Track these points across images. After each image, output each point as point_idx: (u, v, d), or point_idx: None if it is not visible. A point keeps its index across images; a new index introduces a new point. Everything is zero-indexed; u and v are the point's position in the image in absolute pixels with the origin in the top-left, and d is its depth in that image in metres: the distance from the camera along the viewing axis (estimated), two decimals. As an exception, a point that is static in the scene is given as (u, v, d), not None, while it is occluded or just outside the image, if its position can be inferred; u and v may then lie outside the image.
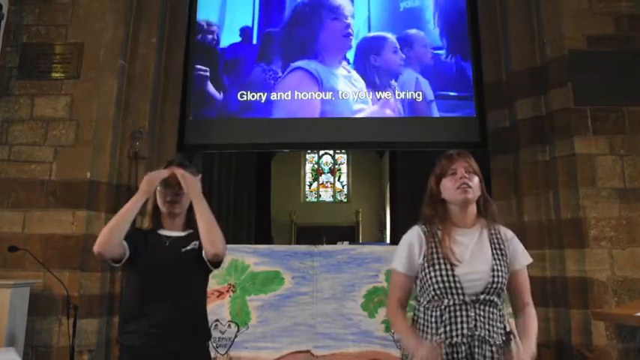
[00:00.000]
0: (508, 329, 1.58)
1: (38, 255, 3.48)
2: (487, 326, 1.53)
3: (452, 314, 1.54)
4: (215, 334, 3.31)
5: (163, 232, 1.75)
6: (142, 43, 4.36)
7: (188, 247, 1.70)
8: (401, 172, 8.32)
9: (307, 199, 13.58)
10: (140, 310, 1.61)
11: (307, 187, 13.69)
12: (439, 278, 1.56)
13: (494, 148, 4.46)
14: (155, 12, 4.47)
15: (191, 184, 1.69)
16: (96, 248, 1.61)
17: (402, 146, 5.32)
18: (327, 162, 13.88)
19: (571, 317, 3.53)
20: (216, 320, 3.37)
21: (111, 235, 1.59)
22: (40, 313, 3.54)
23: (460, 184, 1.61)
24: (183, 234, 1.76)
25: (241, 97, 4.78)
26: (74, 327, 3.34)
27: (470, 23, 4.82)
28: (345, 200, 13.55)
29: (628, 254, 3.50)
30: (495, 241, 1.63)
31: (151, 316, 1.59)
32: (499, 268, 1.57)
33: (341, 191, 13.70)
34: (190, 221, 1.78)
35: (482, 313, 1.54)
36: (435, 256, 1.59)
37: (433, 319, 1.57)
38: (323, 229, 11.31)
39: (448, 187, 1.65)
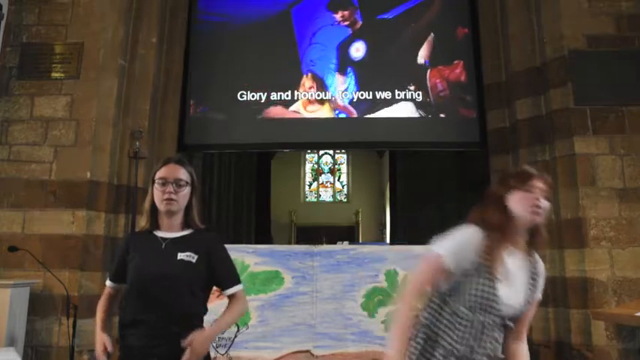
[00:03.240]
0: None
1: (38, 255, 3.48)
2: (499, 349, 1.54)
3: (480, 330, 1.51)
4: (215, 334, 3.31)
5: (160, 234, 1.71)
6: (142, 43, 4.37)
7: (184, 257, 1.65)
8: (401, 172, 8.31)
9: (307, 199, 13.56)
10: (137, 317, 1.60)
11: (307, 187, 13.68)
12: (484, 291, 1.51)
13: (494, 148, 4.47)
14: (155, 12, 4.48)
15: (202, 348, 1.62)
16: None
17: (402, 146, 5.33)
18: (326, 162, 13.87)
19: (571, 317, 3.53)
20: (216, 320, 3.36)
21: None
22: (40, 313, 3.54)
23: (536, 204, 1.56)
24: (180, 235, 1.72)
25: (241, 96, 4.78)
26: (74, 327, 3.34)
27: (470, 23, 4.82)
28: (345, 200, 13.54)
29: (628, 254, 3.50)
30: (533, 271, 1.60)
31: (149, 322, 1.58)
32: (529, 300, 1.58)
33: (341, 191, 13.69)
34: (189, 220, 1.75)
35: (500, 336, 1.54)
36: (486, 267, 1.52)
37: (460, 327, 1.51)
38: (323, 229, 11.30)
39: (522, 202, 1.58)
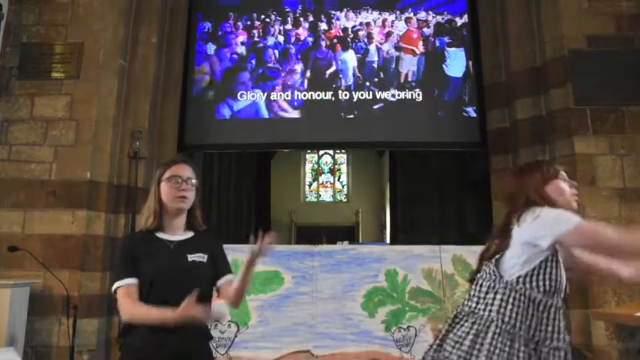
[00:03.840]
0: None
1: (38, 255, 3.48)
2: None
3: (558, 315, 1.54)
4: (215, 334, 3.31)
5: (165, 236, 1.71)
6: (142, 43, 4.36)
7: (196, 259, 1.67)
8: (401, 172, 8.31)
9: (307, 199, 13.55)
10: None
11: (307, 187, 13.68)
12: (562, 274, 1.55)
13: (494, 148, 4.47)
14: (155, 12, 4.47)
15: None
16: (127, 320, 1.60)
17: (402, 146, 5.33)
18: (326, 162, 13.86)
19: (571, 317, 3.53)
20: (216, 320, 3.37)
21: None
22: (40, 313, 3.54)
23: (575, 193, 1.64)
24: (185, 237, 1.74)
25: (241, 96, 4.78)
26: (74, 327, 3.34)
27: (470, 23, 4.82)
28: (345, 200, 13.53)
29: (628, 254, 3.50)
30: None
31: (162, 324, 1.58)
32: None
33: (341, 191, 13.68)
34: (192, 221, 1.77)
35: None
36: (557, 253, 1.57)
37: (546, 315, 1.52)
38: (323, 229, 11.28)
39: (565, 192, 1.63)
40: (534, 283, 1.52)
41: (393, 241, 8.46)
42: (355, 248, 3.69)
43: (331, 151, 13.48)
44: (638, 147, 3.66)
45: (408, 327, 3.46)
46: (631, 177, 3.62)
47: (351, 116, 4.72)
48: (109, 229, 3.91)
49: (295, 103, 4.76)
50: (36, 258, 3.43)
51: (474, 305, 1.57)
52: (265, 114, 4.75)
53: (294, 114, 4.75)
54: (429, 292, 3.53)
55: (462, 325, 1.55)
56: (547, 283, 1.52)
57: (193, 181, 1.75)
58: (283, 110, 4.76)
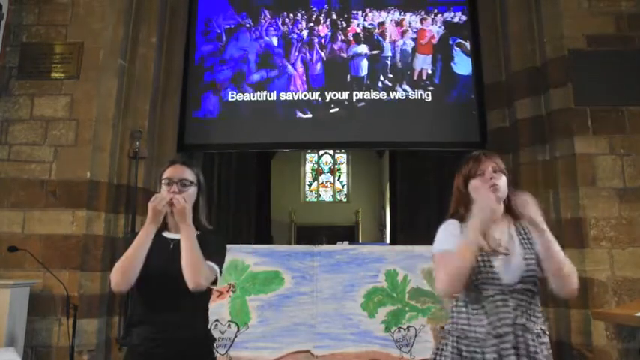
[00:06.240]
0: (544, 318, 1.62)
1: (38, 255, 3.49)
2: (526, 315, 1.57)
3: (493, 304, 1.56)
4: (215, 334, 3.28)
5: (169, 235, 1.72)
6: (142, 42, 4.36)
7: None
8: (401, 172, 8.32)
9: (307, 199, 13.56)
10: (145, 317, 1.61)
11: (307, 187, 13.69)
12: (480, 269, 1.57)
13: (494, 148, 4.46)
14: (155, 12, 4.47)
15: (186, 215, 1.63)
16: (115, 289, 1.61)
17: (402, 146, 5.33)
18: (326, 162, 13.88)
19: (571, 317, 3.53)
20: (216, 320, 3.38)
21: (125, 277, 1.57)
22: (40, 313, 3.54)
23: (490, 184, 1.65)
24: None
25: (241, 97, 4.77)
26: (74, 327, 3.34)
27: (470, 23, 4.82)
28: (345, 200, 13.54)
29: (628, 254, 3.50)
30: (522, 232, 1.68)
31: (156, 323, 1.59)
32: (530, 256, 1.62)
33: (341, 191, 13.69)
34: (196, 221, 1.74)
35: (520, 302, 1.57)
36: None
37: (474, 312, 1.58)
38: (323, 229, 11.30)
39: (479, 189, 1.67)
40: (460, 294, 1.62)
41: (393, 241, 8.46)
42: (355, 248, 3.69)
43: (331, 151, 13.49)
44: (638, 147, 3.66)
45: (408, 327, 3.46)
46: (631, 177, 3.62)
47: (360, 107, 4.70)
48: (109, 229, 3.91)
49: (303, 102, 4.76)
50: (36, 258, 3.43)
51: (449, 323, 1.69)
52: (265, 113, 4.75)
53: (303, 113, 4.75)
54: (429, 292, 3.53)
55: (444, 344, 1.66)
56: (470, 283, 1.56)
57: (189, 181, 1.73)
58: (283, 109, 4.76)
